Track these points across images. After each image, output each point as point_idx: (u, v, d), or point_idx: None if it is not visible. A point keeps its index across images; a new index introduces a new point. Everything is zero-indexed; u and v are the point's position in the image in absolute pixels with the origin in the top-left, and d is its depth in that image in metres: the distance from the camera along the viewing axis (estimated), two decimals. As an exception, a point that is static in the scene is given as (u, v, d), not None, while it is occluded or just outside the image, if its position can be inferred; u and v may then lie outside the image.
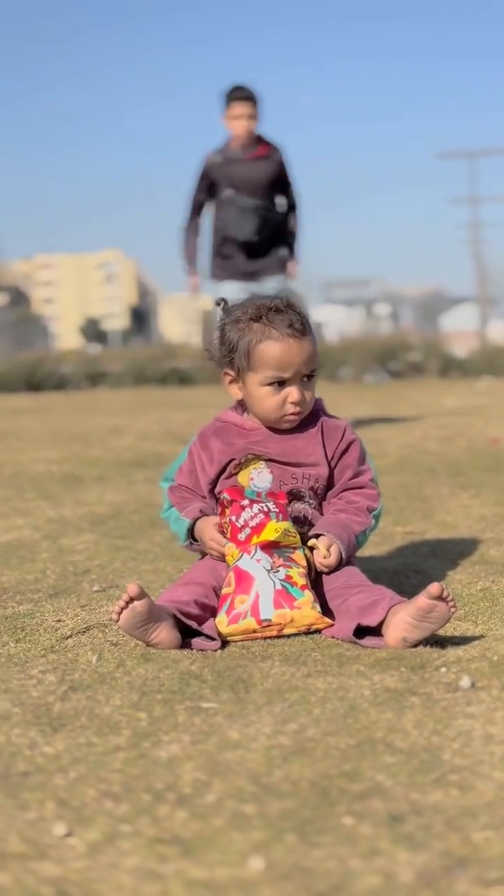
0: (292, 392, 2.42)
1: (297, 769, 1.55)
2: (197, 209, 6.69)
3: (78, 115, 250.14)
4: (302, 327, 2.41)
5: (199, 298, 6.77)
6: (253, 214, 6.42)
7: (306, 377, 2.45)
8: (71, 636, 2.31)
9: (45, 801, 1.47)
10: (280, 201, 6.67)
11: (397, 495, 4.20)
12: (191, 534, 2.45)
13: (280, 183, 6.64)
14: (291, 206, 6.75)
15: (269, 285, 6.43)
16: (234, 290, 6.17)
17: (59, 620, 2.43)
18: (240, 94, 6.51)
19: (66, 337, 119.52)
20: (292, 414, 2.44)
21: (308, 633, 2.27)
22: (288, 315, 2.41)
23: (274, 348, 2.40)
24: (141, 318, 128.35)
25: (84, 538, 3.49)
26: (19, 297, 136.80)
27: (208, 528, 2.41)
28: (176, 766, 1.58)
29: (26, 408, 11.74)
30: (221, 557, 2.38)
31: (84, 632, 2.34)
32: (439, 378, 16.54)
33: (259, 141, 6.59)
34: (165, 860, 1.29)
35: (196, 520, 2.44)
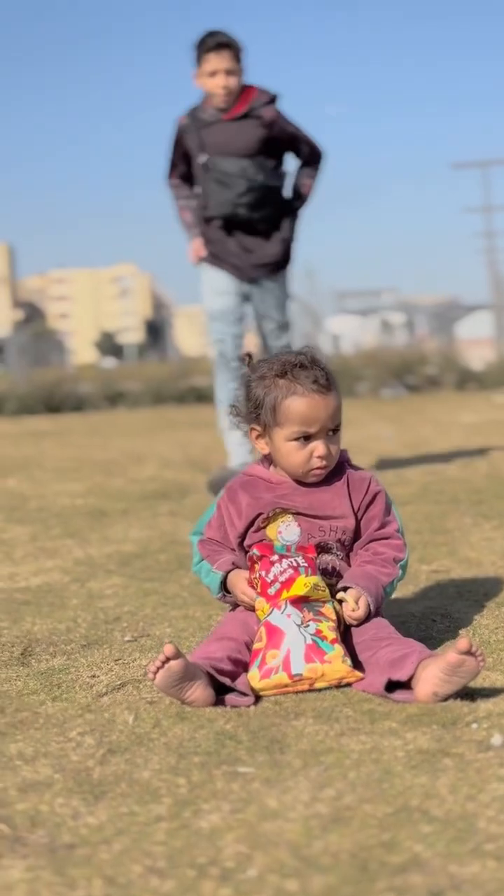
0: (318, 447, 2.46)
1: (336, 840, 1.59)
2: (179, 176, 5.50)
3: (88, 129, 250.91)
4: (327, 383, 2.46)
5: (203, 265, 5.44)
6: (239, 180, 5.19)
7: (331, 431, 2.49)
8: (106, 693, 2.35)
9: (92, 878, 1.51)
10: (278, 170, 5.37)
11: (421, 528, 4.23)
12: (223, 586, 2.49)
13: (278, 143, 5.30)
14: (306, 163, 5.44)
15: (268, 297, 5.44)
16: (228, 288, 5.36)
17: (93, 676, 2.47)
18: (215, 43, 5.12)
19: (82, 352, 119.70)
20: (318, 468, 2.49)
21: (339, 686, 2.31)
22: (313, 371, 2.46)
23: (300, 404, 2.45)
24: (156, 331, 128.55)
25: (112, 581, 3.53)
26: (34, 313, 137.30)
27: (240, 582, 2.45)
28: (217, 838, 1.61)
29: (47, 430, 11.82)
30: (254, 609, 2.42)
31: (119, 688, 2.38)
32: (456, 391, 16.58)
33: (240, 94, 5.24)
34: (213, 943, 1.33)
35: (228, 572, 2.48)
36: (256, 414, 2.52)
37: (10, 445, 9.80)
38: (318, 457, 2.47)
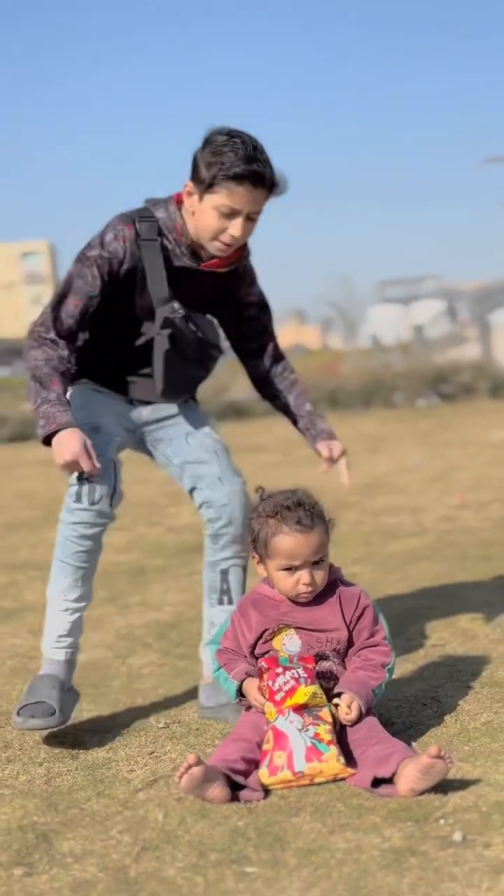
0: (303, 576, 2.92)
1: (316, 937, 2.05)
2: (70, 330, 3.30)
3: (115, 123, 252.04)
4: (310, 523, 2.90)
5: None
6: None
7: (315, 562, 2.94)
8: (141, 789, 2.82)
9: None
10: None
11: (428, 593, 4.67)
12: (239, 692, 2.96)
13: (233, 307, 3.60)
14: (276, 359, 3.75)
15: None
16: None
17: (131, 770, 2.94)
18: (252, 173, 3.15)
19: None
20: (305, 593, 2.94)
21: (335, 781, 2.77)
22: (297, 513, 2.91)
23: (285, 542, 2.91)
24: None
25: (150, 659, 4.01)
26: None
27: (252, 689, 2.91)
28: (224, 936, 2.08)
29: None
30: (264, 712, 2.89)
31: (152, 784, 2.85)
32: (490, 399, 16.95)
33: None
34: None
35: (242, 681, 2.95)
36: (255, 545, 2.99)
37: (59, 479, 10.30)
38: (304, 584, 2.92)
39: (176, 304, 3.35)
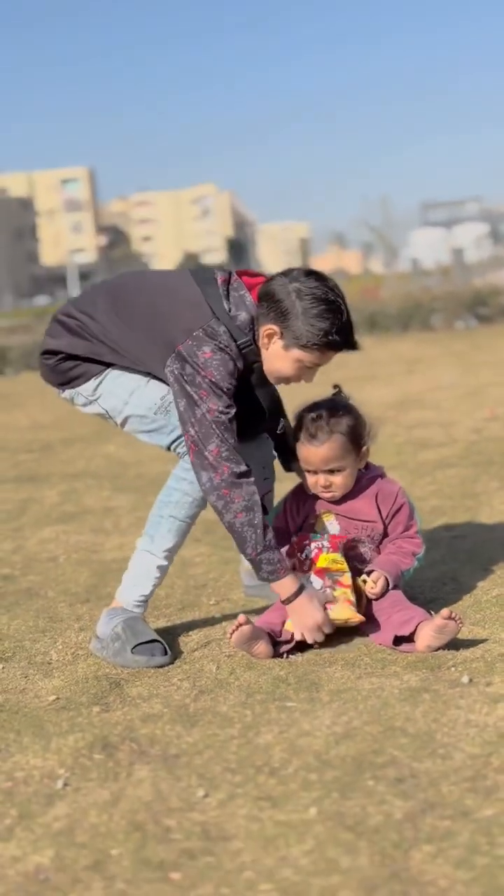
0: (319, 479, 3.35)
1: (344, 749, 2.51)
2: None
3: (158, 50, 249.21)
4: (324, 437, 3.30)
5: None
6: None
7: (330, 471, 3.34)
8: (197, 649, 3.30)
9: (191, 775, 2.46)
10: None
11: (453, 493, 5.11)
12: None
13: None
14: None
15: None
16: None
17: (188, 635, 3.41)
18: (353, 343, 3.33)
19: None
20: (323, 491, 3.37)
21: (347, 625, 3.22)
22: (313, 424, 3.33)
23: (300, 449, 3.36)
24: (239, 249, 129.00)
25: (200, 550, 4.48)
26: (118, 237, 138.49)
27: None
28: (269, 749, 2.55)
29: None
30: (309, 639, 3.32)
31: (206, 645, 3.32)
32: (527, 320, 17.22)
33: None
34: (263, 810, 2.27)
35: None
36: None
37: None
38: (320, 486, 3.36)
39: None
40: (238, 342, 3.25)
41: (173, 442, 3.35)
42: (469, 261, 28.22)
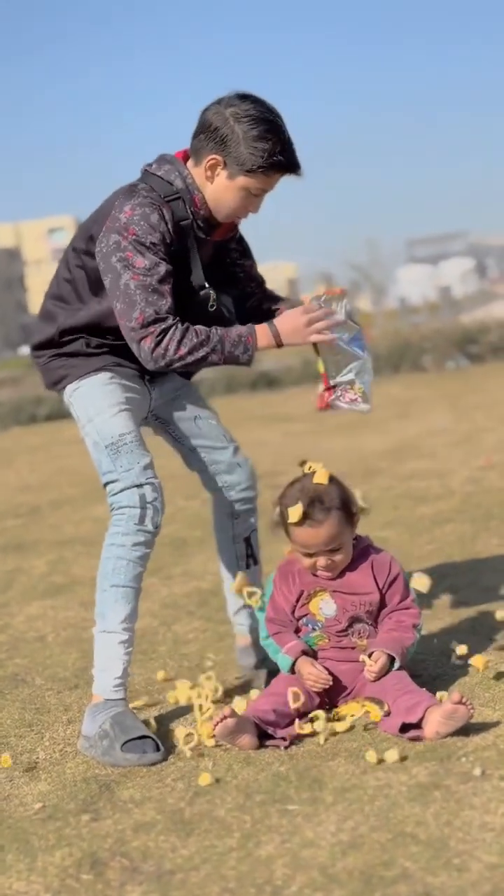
0: (319, 560, 3.18)
1: (351, 861, 2.33)
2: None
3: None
4: (323, 517, 3.12)
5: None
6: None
7: (330, 550, 3.18)
8: (191, 743, 3.11)
9: (186, 898, 2.27)
10: None
11: (453, 552, 4.94)
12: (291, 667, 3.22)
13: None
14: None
15: None
16: None
17: (181, 724, 3.22)
18: (295, 165, 3.21)
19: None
20: (324, 571, 3.20)
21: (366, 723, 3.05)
22: (309, 508, 3.14)
23: (297, 533, 3.17)
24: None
25: (193, 625, 4.30)
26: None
27: (306, 667, 3.16)
28: (271, 864, 2.36)
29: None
30: (317, 687, 3.15)
31: (200, 738, 3.14)
32: (518, 358, 17.12)
33: None
34: (265, 940, 2.08)
35: (297, 658, 3.20)
36: (282, 524, 3.23)
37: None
38: (320, 567, 3.18)
39: (211, 292, 3.34)
40: (162, 194, 3.21)
41: (105, 485, 3.34)
42: (456, 296, 28.20)
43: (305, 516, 3.13)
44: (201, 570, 5.22)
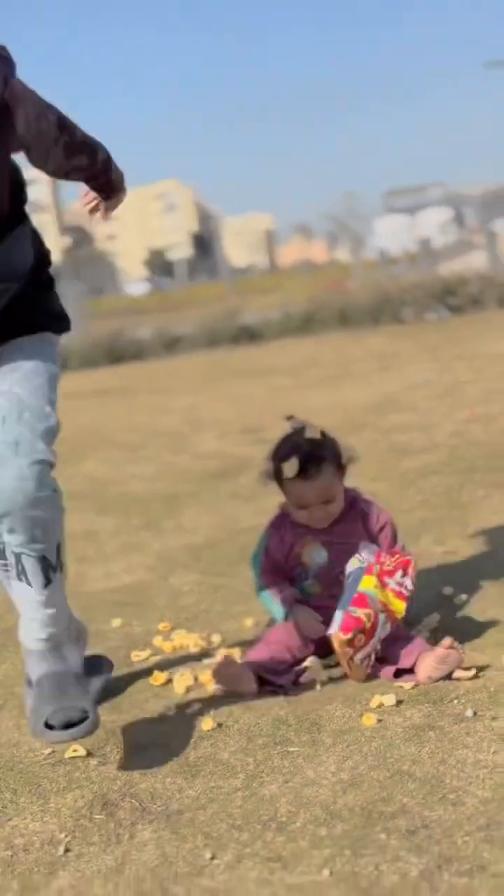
0: (313, 511, 3.28)
1: (352, 798, 2.45)
2: None
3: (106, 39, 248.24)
4: (315, 471, 3.22)
5: None
6: None
7: (324, 501, 3.28)
8: (193, 688, 3.22)
9: (196, 834, 2.39)
10: None
11: (440, 503, 5.05)
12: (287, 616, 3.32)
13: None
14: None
15: None
16: None
17: (182, 674, 3.33)
18: None
19: (132, 271, 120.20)
20: (317, 523, 3.30)
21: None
22: (305, 461, 3.22)
23: (291, 487, 3.27)
24: (205, 243, 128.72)
25: (189, 578, 4.40)
26: (83, 237, 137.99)
27: (301, 615, 3.27)
28: (275, 802, 2.48)
29: (110, 388, 12.70)
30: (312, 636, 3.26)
31: (202, 685, 3.24)
32: (498, 309, 17.21)
33: None
34: (273, 872, 2.20)
35: (291, 607, 3.31)
36: (276, 477, 3.33)
37: (82, 412, 10.69)
38: (315, 518, 3.29)
39: None
40: None
41: None
42: (435, 246, 28.20)
43: (301, 471, 3.22)
44: (193, 525, 5.32)
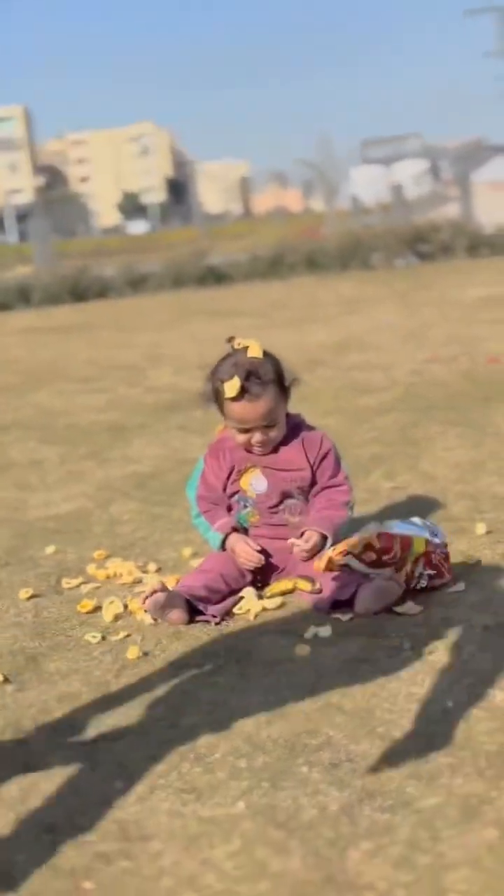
0: (255, 436, 3.13)
1: (276, 730, 2.31)
2: None
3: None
4: (259, 391, 3.06)
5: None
6: None
7: (266, 425, 3.13)
8: (122, 617, 3.08)
9: (109, 764, 2.25)
10: None
11: (393, 440, 4.91)
12: (223, 544, 3.19)
13: None
14: None
15: None
16: None
17: (111, 602, 3.18)
18: None
19: (105, 215, 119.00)
20: (258, 447, 3.15)
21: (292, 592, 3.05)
22: (248, 382, 3.07)
23: (233, 409, 3.10)
24: (179, 189, 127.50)
25: (129, 507, 4.25)
26: (56, 177, 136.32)
27: (239, 544, 3.14)
28: (196, 732, 2.35)
29: (73, 324, 12.47)
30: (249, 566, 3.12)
31: (131, 613, 3.10)
32: (468, 257, 17.03)
33: None
34: (186, 804, 2.06)
35: (227, 534, 3.17)
36: (215, 399, 3.18)
37: (41, 346, 10.47)
38: (256, 442, 3.13)
39: None
40: None
41: None
42: (409, 197, 27.94)
43: (243, 391, 3.07)
44: (139, 455, 5.17)
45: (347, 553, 2.94)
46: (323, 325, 10.12)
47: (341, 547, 2.95)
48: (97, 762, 2.26)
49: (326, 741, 2.25)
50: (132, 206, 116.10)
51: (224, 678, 2.61)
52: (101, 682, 2.67)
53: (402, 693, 2.43)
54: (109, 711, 2.50)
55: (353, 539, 2.96)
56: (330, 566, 2.95)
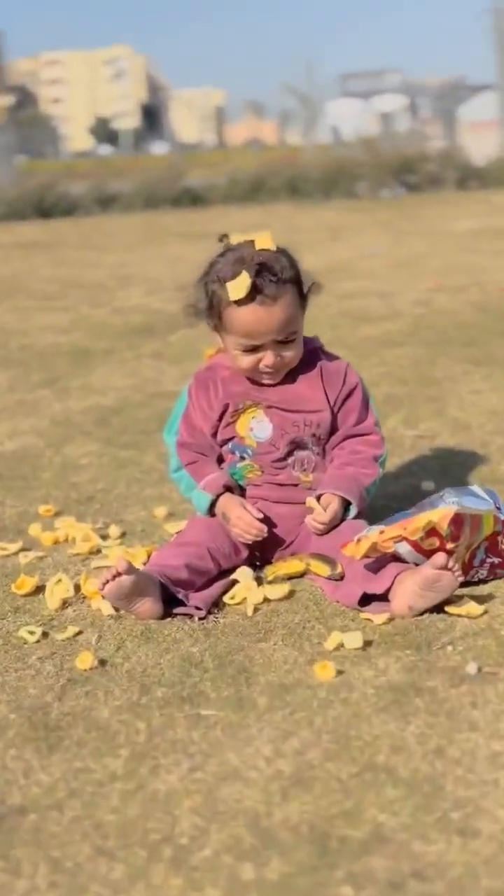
0: (266, 357, 2.29)
1: (296, 813, 1.52)
2: None
3: None
4: (275, 292, 2.25)
5: None
6: None
7: (282, 341, 2.30)
8: (71, 604, 2.27)
9: (38, 863, 1.44)
10: None
11: (408, 377, 4.10)
12: (211, 508, 2.36)
13: None
14: None
15: None
16: None
17: (59, 581, 2.36)
18: None
19: (77, 138, 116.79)
20: (268, 374, 2.33)
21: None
22: (258, 279, 2.25)
23: (241, 317, 2.26)
24: (153, 115, 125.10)
25: (88, 448, 3.42)
26: (26, 98, 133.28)
27: (233, 507, 2.32)
28: (172, 807, 1.54)
29: (37, 241, 11.55)
30: (247, 538, 2.30)
31: (83, 599, 2.29)
32: (457, 190, 16.13)
33: None
34: None
35: (218, 496, 2.35)
36: (209, 311, 2.34)
37: (0, 261, 9.54)
38: (265, 366, 2.30)
39: None
40: None
41: None
42: (394, 128, 26.96)
43: (255, 290, 2.23)
44: (103, 385, 4.32)
45: (402, 539, 2.12)
46: (306, 250, 9.22)
47: (394, 531, 2.13)
48: (20, 859, 1.46)
49: (376, 834, 1.45)
50: (104, 131, 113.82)
51: (213, 710, 1.81)
52: (38, 705, 1.86)
53: (483, 751, 1.64)
54: (46, 758, 1.69)
55: (418, 520, 2.14)
56: (370, 554, 2.14)
